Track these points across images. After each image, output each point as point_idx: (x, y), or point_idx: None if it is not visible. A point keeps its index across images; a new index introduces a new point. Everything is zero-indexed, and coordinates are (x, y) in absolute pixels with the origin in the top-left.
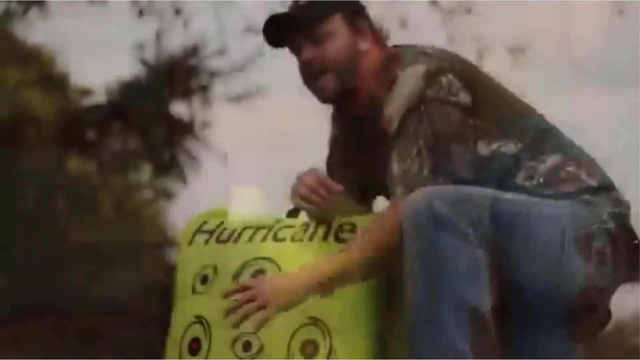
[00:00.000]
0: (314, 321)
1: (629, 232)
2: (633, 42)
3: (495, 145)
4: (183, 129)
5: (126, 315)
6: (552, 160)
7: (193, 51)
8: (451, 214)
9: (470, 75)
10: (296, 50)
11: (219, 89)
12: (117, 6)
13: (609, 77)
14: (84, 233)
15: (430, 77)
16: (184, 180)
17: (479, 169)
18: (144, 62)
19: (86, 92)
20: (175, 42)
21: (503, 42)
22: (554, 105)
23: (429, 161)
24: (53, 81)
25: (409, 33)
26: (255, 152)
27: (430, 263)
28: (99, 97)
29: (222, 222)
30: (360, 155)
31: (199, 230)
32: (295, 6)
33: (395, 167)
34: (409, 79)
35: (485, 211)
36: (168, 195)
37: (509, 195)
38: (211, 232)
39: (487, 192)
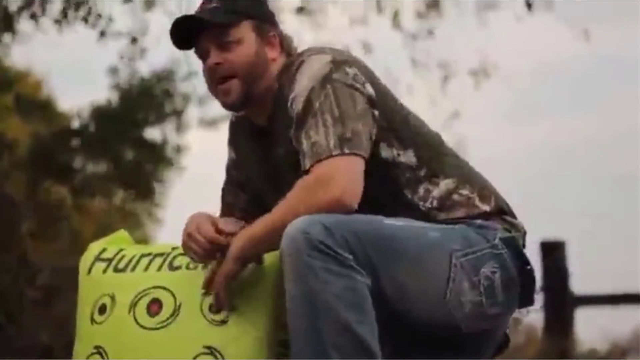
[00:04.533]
0: (210, 350)
1: (521, 257)
2: (598, 66)
3: (395, 152)
4: (156, 153)
5: None
6: (445, 183)
7: (167, 75)
8: (327, 240)
9: (372, 79)
10: (203, 54)
11: (193, 113)
12: (85, 32)
13: (576, 100)
14: (50, 257)
15: (337, 64)
16: (157, 204)
17: (380, 171)
18: (117, 87)
19: (61, 117)
20: (147, 67)
21: (466, 64)
22: (520, 127)
23: (335, 132)
24: (28, 106)
25: (373, 57)
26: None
27: (307, 288)
28: (74, 122)
29: (120, 250)
30: (256, 178)
31: (97, 259)
32: (204, 9)
33: (305, 144)
34: (315, 63)
35: (368, 237)
36: (140, 219)
37: (393, 221)
38: (109, 261)
39: (371, 218)
